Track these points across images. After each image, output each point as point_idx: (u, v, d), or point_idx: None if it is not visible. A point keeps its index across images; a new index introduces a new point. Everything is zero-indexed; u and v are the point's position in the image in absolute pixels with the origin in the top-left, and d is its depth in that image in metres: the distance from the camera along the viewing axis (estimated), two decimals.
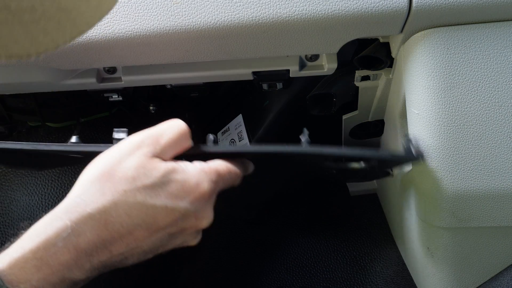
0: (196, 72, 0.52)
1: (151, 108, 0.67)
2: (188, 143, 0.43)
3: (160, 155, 0.40)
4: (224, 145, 0.45)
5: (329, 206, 0.77)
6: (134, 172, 0.38)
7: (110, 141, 0.46)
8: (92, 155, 0.42)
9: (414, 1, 0.42)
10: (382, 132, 0.64)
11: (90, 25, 0.25)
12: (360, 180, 0.72)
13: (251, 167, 0.48)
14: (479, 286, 0.57)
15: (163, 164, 0.39)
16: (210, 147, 0.44)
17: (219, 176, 0.42)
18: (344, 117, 0.64)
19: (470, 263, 0.53)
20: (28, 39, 0.22)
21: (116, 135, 0.45)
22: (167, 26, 0.44)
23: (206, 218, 0.42)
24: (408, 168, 0.52)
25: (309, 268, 0.71)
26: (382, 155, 0.46)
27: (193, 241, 0.44)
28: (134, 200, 0.38)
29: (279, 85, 0.56)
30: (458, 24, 0.44)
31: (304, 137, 0.44)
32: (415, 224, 0.54)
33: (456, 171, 0.45)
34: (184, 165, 0.41)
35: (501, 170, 0.44)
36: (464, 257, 0.53)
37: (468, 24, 0.44)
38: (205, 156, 0.44)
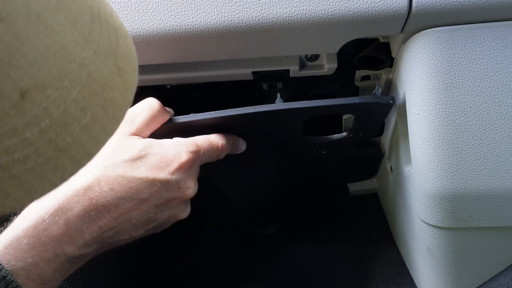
0: (196, 72, 0.52)
1: None
2: (163, 118, 0.45)
3: (136, 133, 0.42)
4: (197, 114, 0.47)
5: (329, 206, 0.77)
6: (113, 149, 0.41)
7: None
8: None
9: (414, 1, 0.42)
10: (382, 132, 0.64)
11: (92, 155, 0.23)
12: (359, 174, 0.72)
13: (242, 145, 0.51)
14: (479, 286, 0.57)
15: (141, 140, 0.42)
16: (185, 117, 0.47)
17: (198, 147, 0.44)
18: (344, 117, 0.64)
19: (470, 263, 0.53)
20: (21, 191, 0.20)
21: None
22: (167, 26, 0.44)
23: (189, 188, 0.43)
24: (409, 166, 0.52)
25: (309, 268, 0.71)
26: (353, 100, 0.48)
27: (182, 214, 0.45)
28: (115, 173, 0.40)
29: (279, 85, 0.56)
30: (458, 24, 0.44)
31: (278, 100, 0.49)
32: (415, 224, 0.54)
33: (456, 171, 0.45)
34: (162, 140, 0.43)
35: (501, 170, 0.44)
36: (464, 257, 0.53)
37: (468, 24, 0.44)
38: (186, 130, 0.46)
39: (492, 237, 0.51)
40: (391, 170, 0.63)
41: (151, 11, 0.44)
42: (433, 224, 0.49)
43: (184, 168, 0.42)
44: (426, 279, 0.59)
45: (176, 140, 0.44)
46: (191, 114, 0.48)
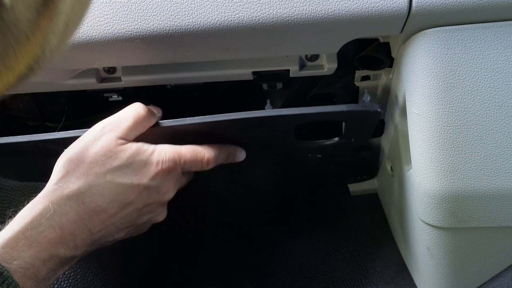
0: (196, 72, 0.52)
1: None
2: (149, 122, 0.47)
3: (123, 137, 0.45)
4: (182, 119, 0.48)
5: (329, 206, 0.77)
6: (103, 156, 0.43)
7: None
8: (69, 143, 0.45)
9: (414, 1, 0.42)
10: (382, 132, 0.64)
11: (35, 71, 0.23)
12: (359, 176, 0.72)
13: (240, 154, 0.52)
14: (479, 286, 0.57)
15: (128, 146, 0.45)
16: (170, 122, 0.48)
17: (179, 156, 0.47)
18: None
19: (470, 263, 0.53)
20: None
21: None
22: (167, 26, 0.44)
23: (167, 193, 0.47)
24: (409, 168, 0.52)
25: (309, 268, 0.71)
26: (340, 107, 0.49)
27: (158, 217, 0.49)
28: (105, 180, 0.43)
29: (279, 85, 0.56)
30: (458, 24, 0.44)
31: (267, 106, 0.50)
32: (415, 224, 0.54)
33: (456, 171, 0.45)
34: (147, 146, 0.46)
35: (501, 170, 0.44)
36: (464, 257, 0.53)
37: (468, 24, 0.44)
38: (174, 135, 0.48)
39: (492, 237, 0.51)
40: (391, 170, 0.63)
41: (151, 11, 0.44)
42: (433, 224, 0.49)
43: (163, 174, 0.46)
44: (426, 279, 0.59)
45: (161, 147, 0.47)
46: (179, 119, 0.48)
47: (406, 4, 0.42)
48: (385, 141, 0.64)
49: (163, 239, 0.74)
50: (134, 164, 0.44)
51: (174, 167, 0.47)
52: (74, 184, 0.42)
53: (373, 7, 0.43)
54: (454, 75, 0.44)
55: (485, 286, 0.56)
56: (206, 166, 0.49)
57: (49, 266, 0.40)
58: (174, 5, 0.44)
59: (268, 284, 0.70)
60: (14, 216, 0.42)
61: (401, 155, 0.56)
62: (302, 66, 0.52)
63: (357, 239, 0.73)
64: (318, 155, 0.59)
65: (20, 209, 0.42)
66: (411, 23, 0.44)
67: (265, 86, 0.55)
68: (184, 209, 0.52)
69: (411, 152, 0.49)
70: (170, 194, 0.48)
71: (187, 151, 0.48)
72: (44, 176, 0.46)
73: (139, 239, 0.56)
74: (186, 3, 0.44)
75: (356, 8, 0.43)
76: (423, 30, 0.44)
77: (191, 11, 0.44)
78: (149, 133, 0.48)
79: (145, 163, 0.45)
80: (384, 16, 0.43)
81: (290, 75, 0.53)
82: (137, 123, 0.46)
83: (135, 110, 0.47)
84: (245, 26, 0.44)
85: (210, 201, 0.71)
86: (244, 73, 0.52)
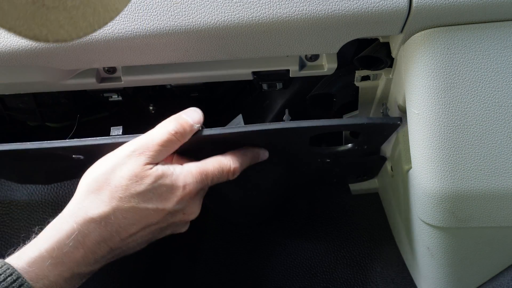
0: (196, 72, 0.52)
1: (151, 108, 0.67)
2: (181, 142, 0.46)
3: (151, 161, 0.45)
4: (210, 129, 0.48)
5: (329, 205, 0.77)
6: (128, 181, 0.43)
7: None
8: (93, 154, 0.44)
9: (414, 1, 0.42)
10: None
11: (119, 10, 0.27)
12: (360, 176, 0.72)
13: (263, 155, 0.53)
14: (479, 286, 0.57)
15: (154, 171, 0.44)
16: (201, 132, 0.48)
17: (206, 175, 0.47)
18: (344, 116, 0.64)
19: (470, 263, 0.53)
20: (71, 24, 0.24)
21: (112, 132, 0.50)
22: (167, 26, 0.44)
23: (193, 213, 0.48)
24: (407, 166, 0.52)
25: (309, 268, 0.71)
26: (361, 120, 0.50)
27: (182, 229, 0.50)
28: (129, 205, 0.43)
29: (279, 85, 0.56)
30: (458, 24, 0.44)
31: (286, 117, 0.50)
32: (415, 224, 0.54)
33: (456, 171, 0.45)
34: (173, 168, 0.45)
35: (501, 170, 0.44)
36: (464, 257, 0.53)
37: (468, 24, 0.44)
38: (206, 144, 0.48)
39: (492, 237, 0.51)
40: (392, 170, 0.63)
41: (151, 11, 0.44)
42: (433, 224, 0.49)
43: (190, 197, 0.46)
44: (426, 279, 0.59)
45: (186, 169, 0.46)
46: (207, 129, 0.48)
47: (406, 4, 0.42)
48: (385, 142, 0.64)
49: (163, 238, 0.74)
50: (159, 189, 0.44)
51: (201, 188, 0.47)
52: (99, 207, 0.43)
53: (373, 7, 0.43)
54: (454, 75, 0.44)
55: (485, 286, 0.56)
56: (232, 176, 0.49)
57: (71, 283, 0.42)
58: (174, 5, 0.44)
59: (268, 283, 0.70)
60: (39, 233, 0.43)
61: (401, 155, 0.56)
62: (302, 66, 0.52)
63: (357, 239, 0.73)
64: (327, 160, 0.59)
65: (45, 226, 0.43)
66: (411, 23, 0.44)
67: (265, 86, 0.55)
68: None
69: (411, 152, 0.49)
70: (195, 215, 0.48)
71: (213, 166, 0.47)
72: (47, 179, 0.46)
73: None
74: (186, 3, 0.44)
75: (356, 8, 0.43)
76: (423, 30, 0.44)
77: (191, 11, 0.44)
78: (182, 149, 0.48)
79: (171, 187, 0.44)
80: (384, 16, 0.43)
81: (290, 75, 0.53)
82: (166, 147, 0.45)
83: (167, 134, 0.45)
84: (245, 26, 0.44)
85: (210, 200, 0.71)
86: (244, 73, 0.52)
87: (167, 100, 0.64)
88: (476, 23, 0.44)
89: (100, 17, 0.26)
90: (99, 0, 0.26)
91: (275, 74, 0.53)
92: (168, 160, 0.47)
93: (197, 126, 0.47)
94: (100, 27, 0.26)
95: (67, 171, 0.60)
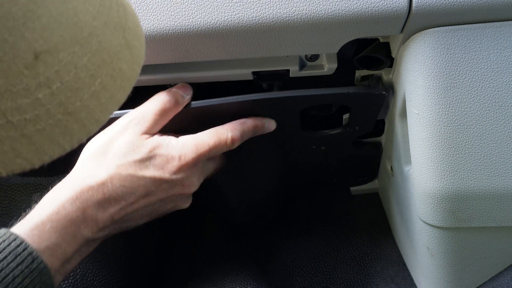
0: (196, 72, 0.52)
1: None
2: (174, 112, 0.48)
3: (147, 132, 0.46)
4: (204, 101, 0.50)
5: (329, 206, 0.77)
6: (125, 149, 0.45)
7: None
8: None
9: (414, 1, 0.42)
10: (383, 132, 0.64)
11: (100, 122, 0.24)
12: (360, 177, 0.72)
13: (270, 124, 0.53)
14: (479, 286, 0.57)
15: (150, 141, 0.46)
16: (195, 103, 0.49)
17: (203, 146, 0.47)
18: (344, 116, 0.64)
19: (470, 263, 0.53)
20: (31, 151, 0.21)
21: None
22: (167, 26, 0.44)
23: (192, 186, 0.48)
24: (408, 167, 0.52)
25: (309, 268, 0.71)
26: (347, 89, 0.51)
27: (184, 205, 0.50)
28: (126, 172, 0.44)
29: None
30: (458, 24, 0.44)
31: (275, 89, 0.52)
32: (415, 224, 0.54)
33: (456, 171, 0.45)
34: (168, 139, 0.47)
35: (501, 170, 0.44)
36: (464, 257, 0.53)
37: (468, 24, 0.44)
38: (201, 120, 0.49)
39: (492, 237, 0.51)
40: (392, 170, 0.63)
41: (151, 11, 0.44)
42: (433, 224, 0.49)
43: (187, 167, 0.46)
44: (426, 279, 0.59)
45: (182, 140, 0.47)
46: (201, 100, 0.49)
47: (406, 4, 0.42)
48: (385, 141, 0.64)
49: (163, 238, 0.74)
50: (156, 158, 0.45)
51: (198, 159, 0.47)
52: (96, 174, 0.44)
53: (373, 7, 0.43)
54: (454, 75, 0.44)
55: (485, 286, 0.56)
56: (231, 145, 0.49)
57: (74, 246, 0.42)
58: (174, 5, 0.44)
59: (268, 283, 0.70)
60: (39, 200, 0.44)
61: (401, 155, 0.56)
62: (302, 66, 0.52)
63: (357, 239, 0.73)
64: (322, 147, 0.60)
65: (44, 194, 0.44)
66: (411, 23, 0.44)
67: (265, 86, 0.55)
68: (185, 209, 0.52)
69: (411, 152, 0.49)
70: (194, 187, 0.49)
71: (209, 137, 0.48)
72: (50, 170, 0.46)
73: (139, 239, 0.56)
74: (186, 3, 0.44)
75: (356, 8, 0.43)
76: (423, 30, 0.44)
77: (191, 11, 0.44)
78: (172, 121, 0.48)
79: (167, 157, 0.45)
80: (384, 16, 0.43)
81: (290, 75, 0.53)
82: (161, 116, 0.47)
83: (161, 103, 0.47)
84: (245, 26, 0.44)
85: (210, 200, 0.71)
86: (244, 73, 0.52)
87: None
88: (476, 23, 0.44)
89: (74, 135, 0.22)
90: (73, 116, 0.22)
91: (275, 74, 0.53)
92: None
93: (187, 96, 0.49)
94: (73, 147, 0.23)
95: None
